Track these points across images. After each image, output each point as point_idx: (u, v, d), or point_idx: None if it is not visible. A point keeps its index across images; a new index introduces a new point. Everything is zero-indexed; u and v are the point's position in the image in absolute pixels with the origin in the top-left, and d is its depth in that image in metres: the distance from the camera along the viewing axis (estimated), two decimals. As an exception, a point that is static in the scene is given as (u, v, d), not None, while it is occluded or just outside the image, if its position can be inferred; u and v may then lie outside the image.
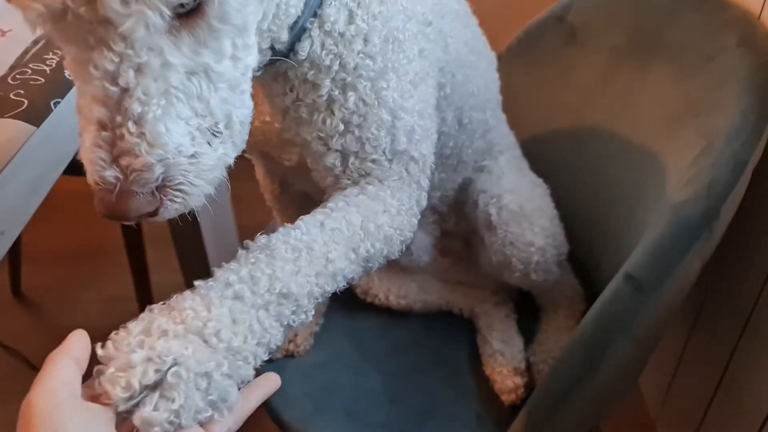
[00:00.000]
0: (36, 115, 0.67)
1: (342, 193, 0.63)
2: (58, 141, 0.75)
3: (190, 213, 0.50)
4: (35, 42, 0.77)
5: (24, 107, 0.67)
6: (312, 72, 0.60)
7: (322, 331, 0.91)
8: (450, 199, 0.91)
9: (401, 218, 0.64)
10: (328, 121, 0.62)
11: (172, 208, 0.46)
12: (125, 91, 0.43)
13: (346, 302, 0.96)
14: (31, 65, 0.73)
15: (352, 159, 0.64)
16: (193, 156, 0.46)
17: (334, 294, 0.92)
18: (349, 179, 0.65)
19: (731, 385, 0.92)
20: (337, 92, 0.61)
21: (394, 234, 0.63)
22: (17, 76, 0.71)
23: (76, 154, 0.46)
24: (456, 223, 0.94)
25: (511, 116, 0.93)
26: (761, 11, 0.79)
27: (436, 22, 0.69)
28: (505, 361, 0.87)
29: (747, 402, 0.88)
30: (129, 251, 1.32)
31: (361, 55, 0.60)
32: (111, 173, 0.43)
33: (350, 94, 0.61)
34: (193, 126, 0.46)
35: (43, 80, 0.71)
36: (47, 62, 0.74)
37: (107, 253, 1.67)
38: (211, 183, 0.48)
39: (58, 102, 0.70)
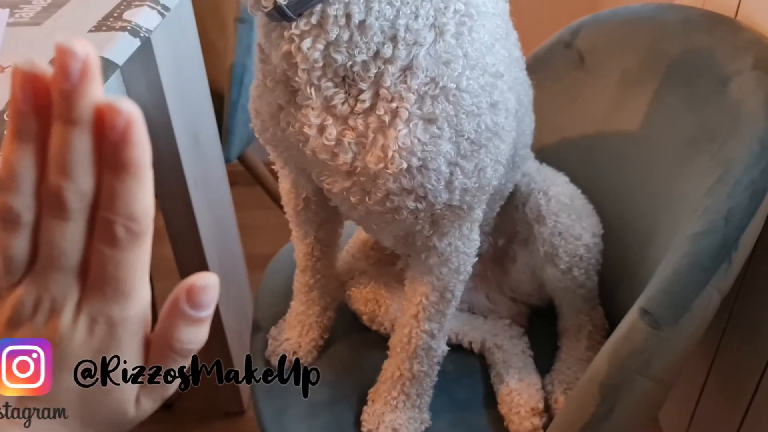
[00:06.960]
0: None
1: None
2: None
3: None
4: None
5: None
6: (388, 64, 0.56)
7: (328, 369, 0.88)
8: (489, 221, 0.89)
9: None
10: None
11: None
12: None
13: (352, 337, 0.93)
14: (29, 101, 0.72)
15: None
16: None
17: (340, 329, 0.91)
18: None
19: (758, 420, 0.88)
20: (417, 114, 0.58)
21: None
22: (15, 113, 0.70)
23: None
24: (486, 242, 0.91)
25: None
26: (776, 33, 0.76)
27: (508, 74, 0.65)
28: (522, 400, 0.82)
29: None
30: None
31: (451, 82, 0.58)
32: None
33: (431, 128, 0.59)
34: None
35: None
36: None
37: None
38: None
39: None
